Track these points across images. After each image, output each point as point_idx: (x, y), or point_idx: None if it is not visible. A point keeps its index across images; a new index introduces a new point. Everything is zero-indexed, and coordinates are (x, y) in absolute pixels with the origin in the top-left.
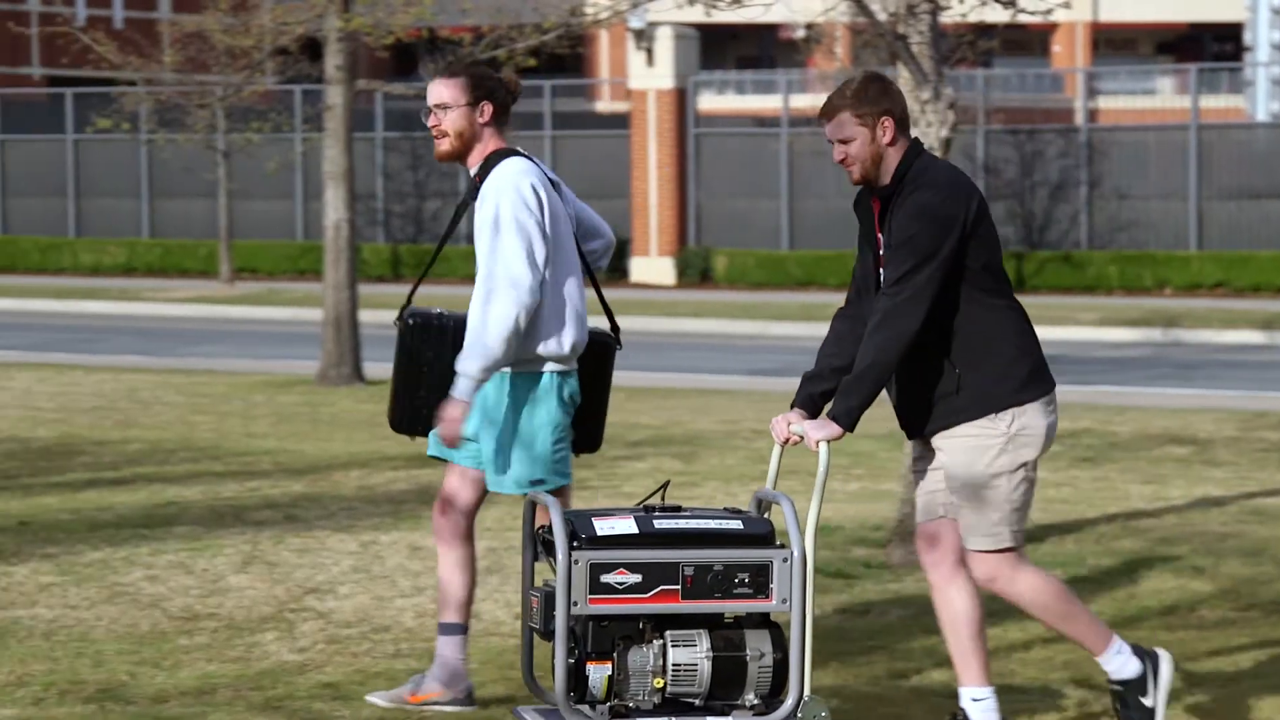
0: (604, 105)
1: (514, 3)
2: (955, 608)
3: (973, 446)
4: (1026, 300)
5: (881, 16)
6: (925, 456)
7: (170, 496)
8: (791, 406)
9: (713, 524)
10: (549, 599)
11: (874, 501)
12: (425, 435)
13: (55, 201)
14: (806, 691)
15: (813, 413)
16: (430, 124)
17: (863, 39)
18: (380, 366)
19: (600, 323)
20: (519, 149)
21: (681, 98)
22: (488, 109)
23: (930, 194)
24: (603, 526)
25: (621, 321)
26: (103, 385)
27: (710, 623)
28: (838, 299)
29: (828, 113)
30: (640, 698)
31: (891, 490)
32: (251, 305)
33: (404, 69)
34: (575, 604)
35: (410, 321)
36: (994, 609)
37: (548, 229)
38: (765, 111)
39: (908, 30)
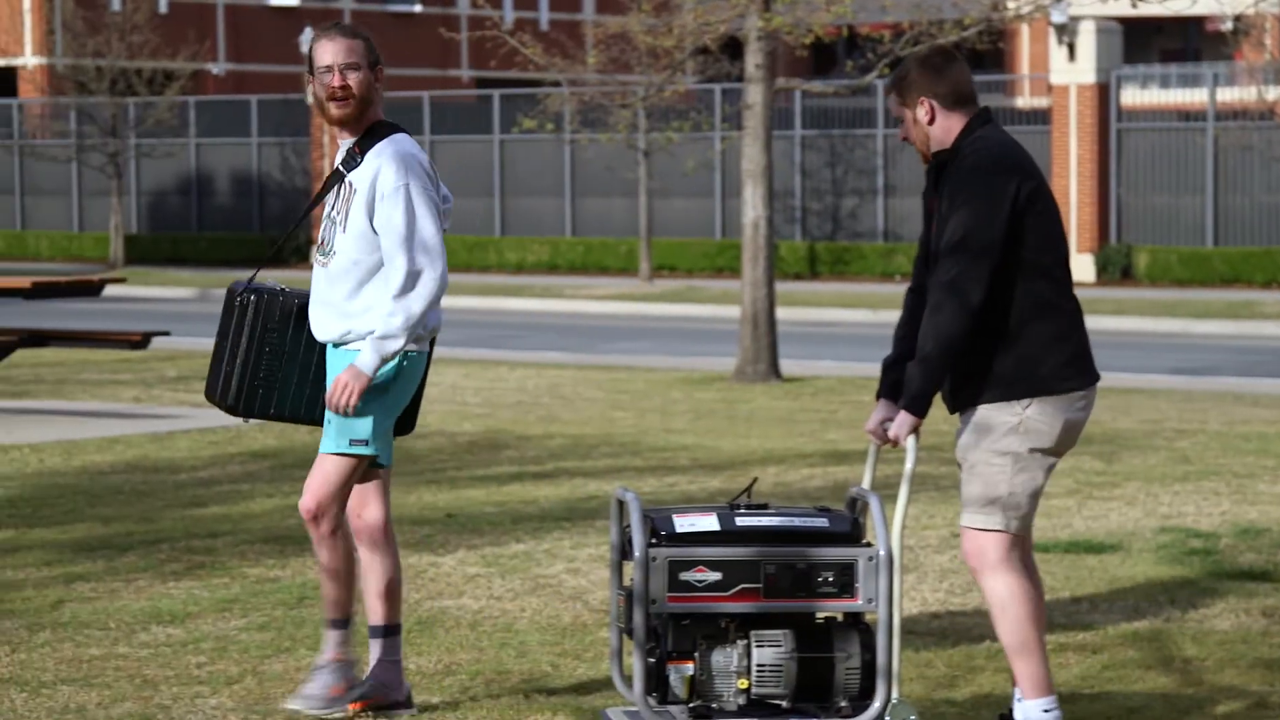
0: (1024, 101)
1: None
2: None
3: (982, 421)
4: None
5: None
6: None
7: (591, 491)
8: (877, 398)
9: (797, 522)
10: (632, 598)
11: None
12: (261, 418)
13: (482, 201)
14: (895, 695)
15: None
16: (337, 84)
17: None
18: (799, 364)
19: None
20: (392, 121)
21: (1104, 92)
22: (380, 73)
23: (974, 169)
24: (683, 523)
25: None
26: (526, 381)
27: (800, 622)
28: (1265, 297)
29: (887, 94)
30: (724, 698)
31: None
32: (670, 302)
33: (822, 67)
34: (654, 602)
35: (253, 298)
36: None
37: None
38: (1190, 106)
39: None
